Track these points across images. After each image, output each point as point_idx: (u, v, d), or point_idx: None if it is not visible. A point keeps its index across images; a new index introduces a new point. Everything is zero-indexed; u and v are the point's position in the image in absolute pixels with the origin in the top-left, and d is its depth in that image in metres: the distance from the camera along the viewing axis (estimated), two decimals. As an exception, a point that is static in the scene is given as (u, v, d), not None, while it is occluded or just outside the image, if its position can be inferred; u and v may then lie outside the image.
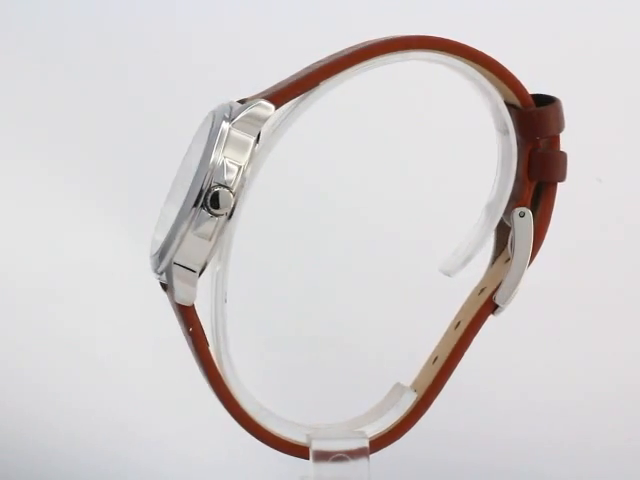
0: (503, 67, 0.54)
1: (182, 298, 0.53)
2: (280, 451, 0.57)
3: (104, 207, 0.94)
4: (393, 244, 0.92)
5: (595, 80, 0.91)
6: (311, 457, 0.56)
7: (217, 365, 0.55)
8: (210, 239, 0.52)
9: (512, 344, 0.87)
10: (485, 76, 0.55)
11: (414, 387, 0.59)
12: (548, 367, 0.89)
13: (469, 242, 0.58)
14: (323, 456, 0.56)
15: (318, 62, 0.54)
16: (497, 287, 0.57)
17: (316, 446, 0.56)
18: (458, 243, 0.59)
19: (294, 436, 0.57)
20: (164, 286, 0.54)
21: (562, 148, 0.56)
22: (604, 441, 0.88)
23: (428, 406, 0.57)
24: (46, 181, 0.94)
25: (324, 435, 0.57)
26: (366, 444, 0.56)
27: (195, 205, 0.51)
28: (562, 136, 0.56)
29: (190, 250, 0.52)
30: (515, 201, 0.56)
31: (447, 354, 0.57)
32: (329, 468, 0.56)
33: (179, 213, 0.52)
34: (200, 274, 0.53)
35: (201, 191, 0.51)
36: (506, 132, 0.55)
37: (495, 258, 0.58)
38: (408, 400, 0.58)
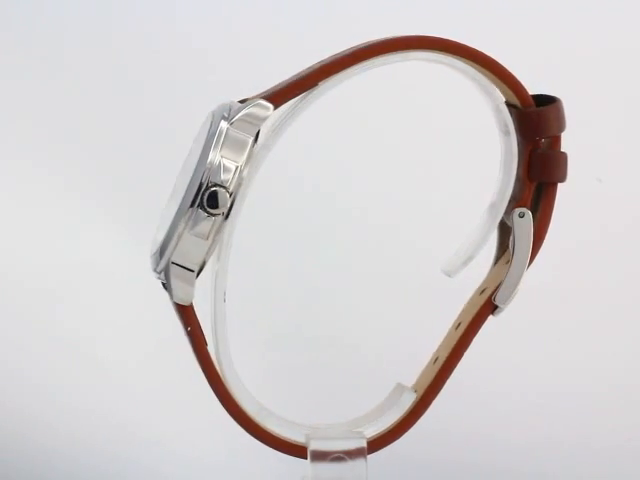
0: (503, 67, 0.54)
1: (180, 297, 0.53)
2: (279, 451, 0.57)
3: (104, 207, 0.94)
4: (393, 244, 0.92)
5: (595, 80, 0.91)
6: (309, 457, 0.56)
7: (216, 365, 0.55)
8: (207, 238, 0.52)
9: (512, 344, 0.87)
10: (486, 76, 0.55)
11: (415, 387, 0.59)
12: (548, 367, 0.89)
13: (470, 242, 0.58)
14: (321, 456, 0.56)
15: (319, 62, 0.54)
16: (497, 288, 0.57)
17: (314, 446, 0.56)
18: (460, 243, 0.59)
19: (293, 436, 0.57)
20: (165, 285, 0.54)
21: (562, 148, 0.56)
22: (604, 441, 0.88)
23: (427, 406, 0.57)
24: (46, 181, 0.94)
25: (322, 435, 0.57)
26: (364, 444, 0.56)
27: (192, 205, 0.52)
28: (562, 136, 0.56)
29: (187, 250, 0.52)
30: (516, 201, 0.56)
31: (447, 354, 0.57)
32: (327, 468, 0.56)
33: (176, 212, 0.52)
34: (198, 274, 0.53)
35: (198, 191, 0.51)
36: (507, 133, 0.55)
37: (497, 259, 0.58)
38: (407, 400, 0.58)
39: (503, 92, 0.55)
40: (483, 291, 0.58)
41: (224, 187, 0.52)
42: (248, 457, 0.84)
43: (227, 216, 0.52)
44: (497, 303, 0.57)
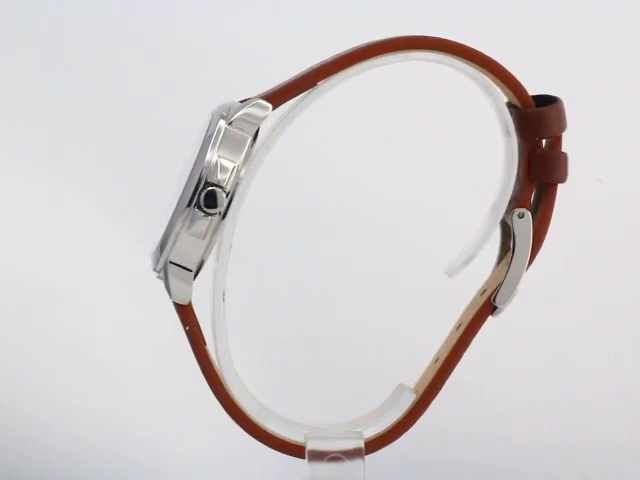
0: (502, 67, 0.54)
1: (178, 297, 0.53)
2: (277, 451, 0.57)
3: (104, 207, 0.94)
4: (393, 244, 0.92)
5: (595, 80, 0.91)
6: (306, 457, 0.56)
7: (215, 364, 0.55)
8: (204, 238, 0.52)
9: (512, 344, 0.87)
10: (487, 76, 0.55)
11: (416, 388, 0.59)
12: (548, 367, 0.89)
13: (471, 242, 0.58)
14: (318, 456, 0.56)
15: (319, 62, 0.54)
16: (496, 288, 0.57)
17: (311, 446, 0.56)
18: (463, 244, 0.59)
19: (293, 436, 0.57)
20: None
21: (562, 148, 0.56)
22: (604, 441, 0.88)
23: (426, 406, 0.57)
24: (46, 181, 0.94)
25: (321, 435, 0.57)
26: (361, 444, 0.56)
27: (189, 204, 0.52)
28: (563, 136, 0.56)
29: (185, 249, 0.52)
30: (516, 202, 0.56)
31: (446, 355, 0.57)
32: (324, 468, 0.56)
33: (174, 212, 0.52)
34: (197, 273, 0.53)
35: (195, 190, 0.52)
36: (508, 133, 0.55)
37: (500, 259, 0.58)
38: (407, 400, 0.58)
39: (504, 92, 0.55)
40: (484, 292, 0.58)
41: (221, 187, 0.52)
42: (248, 457, 0.84)
43: (224, 216, 0.52)
44: (496, 304, 0.57)
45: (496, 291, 0.57)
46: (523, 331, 0.87)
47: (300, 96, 0.54)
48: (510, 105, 0.55)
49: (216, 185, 0.51)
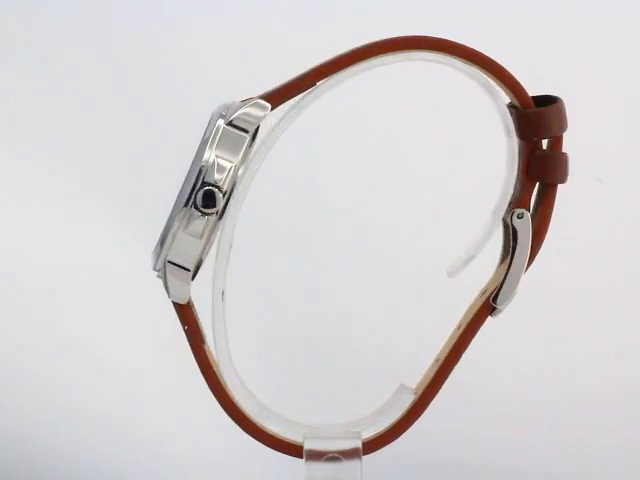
0: (502, 67, 0.54)
1: (177, 296, 0.53)
2: (276, 450, 0.57)
3: (104, 207, 0.94)
4: (393, 244, 0.92)
5: (595, 80, 0.91)
6: (303, 456, 0.56)
7: (215, 363, 0.55)
8: (201, 237, 0.52)
9: (512, 344, 0.87)
10: (487, 76, 0.55)
11: (417, 388, 0.58)
12: (548, 367, 0.89)
13: (472, 242, 0.58)
14: (315, 456, 0.56)
15: (319, 63, 0.54)
16: (495, 289, 0.57)
17: (308, 445, 0.56)
18: (464, 244, 0.59)
19: (292, 436, 0.57)
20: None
21: (562, 148, 0.56)
22: (604, 441, 0.88)
23: (426, 407, 0.57)
24: (46, 181, 0.94)
25: (319, 435, 0.57)
26: (359, 444, 0.56)
27: (186, 204, 0.52)
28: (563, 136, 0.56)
29: (182, 248, 0.52)
30: (516, 202, 0.56)
31: (445, 355, 0.57)
32: (321, 468, 0.56)
33: (171, 211, 0.52)
34: (195, 273, 0.53)
35: (192, 190, 0.52)
36: (509, 133, 0.55)
37: (502, 260, 0.58)
38: (406, 401, 0.58)
39: (504, 93, 0.55)
40: (484, 292, 0.58)
41: (217, 187, 0.52)
42: (248, 457, 0.84)
43: (221, 216, 0.52)
44: (494, 304, 0.57)
45: (495, 291, 0.57)
46: (523, 331, 0.87)
47: (300, 96, 0.54)
48: (511, 105, 0.55)
49: (213, 185, 0.52)
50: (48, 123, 0.95)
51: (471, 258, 0.58)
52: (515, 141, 0.55)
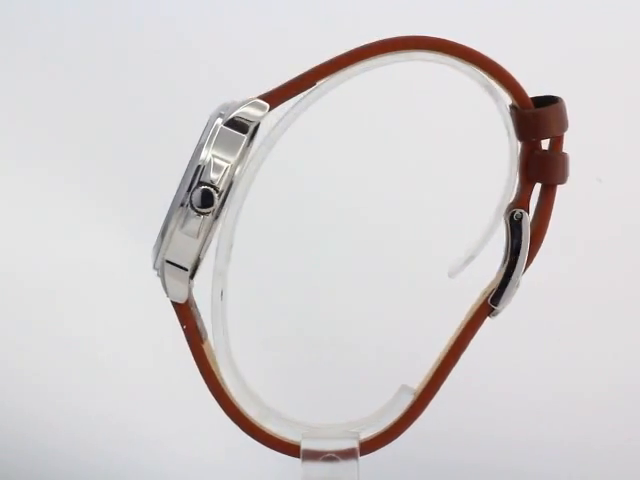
0: (501, 68, 0.54)
1: (175, 296, 0.53)
2: (275, 450, 0.57)
3: (104, 207, 0.94)
4: (393, 244, 0.92)
5: (595, 80, 0.91)
6: (300, 456, 0.56)
7: (214, 362, 0.55)
8: (197, 237, 0.52)
9: (512, 344, 0.87)
10: (487, 77, 0.55)
11: (418, 389, 0.58)
12: (548, 367, 0.89)
13: (473, 242, 0.58)
14: (312, 455, 0.56)
15: (319, 63, 0.54)
16: (494, 289, 0.57)
17: (305, 445, 0.56)
18: (464, 244, 0.59)
19: (291, 435, 0.57)
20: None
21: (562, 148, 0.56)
22: (604, 441, 0.88)
23: (424, 407, 0.57)
24: (46, 181, 0.94)
25: (317, 435, 0.57)
26: (356, 445, 0.56)
27: (182, 204, 0.52)
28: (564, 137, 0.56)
29: (180, 248, 0.52)
30: (516, 203, 0.56)
31: (444, 355, 0.57)
32: (318, 468, 0.56)
33: (168, 211, 0.52)
34: (193, 273, 0.53)
35: (188, 189, 0.52)
36: (509, 134, 0.55)
37: (505, 260, 0.58)
38: (405, 401, 0.58)
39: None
40: (485, 292, 0.58)
41: (213, 186, 0.52)
42: (248, 457, 0.84)
43: (217, 216, 0.52)
44: (493, 305, 0.57)
45: (493, 292, 0.57)
46: (523, 331, 0.87)
47: (300, 96, 0.54)
48: (511, 106, 0.55)
49: (209, 184, 0.52)
50: (48, 123, 0.95)
51: (471, 258, 0.58)
52: (514, 142, 0.55)
